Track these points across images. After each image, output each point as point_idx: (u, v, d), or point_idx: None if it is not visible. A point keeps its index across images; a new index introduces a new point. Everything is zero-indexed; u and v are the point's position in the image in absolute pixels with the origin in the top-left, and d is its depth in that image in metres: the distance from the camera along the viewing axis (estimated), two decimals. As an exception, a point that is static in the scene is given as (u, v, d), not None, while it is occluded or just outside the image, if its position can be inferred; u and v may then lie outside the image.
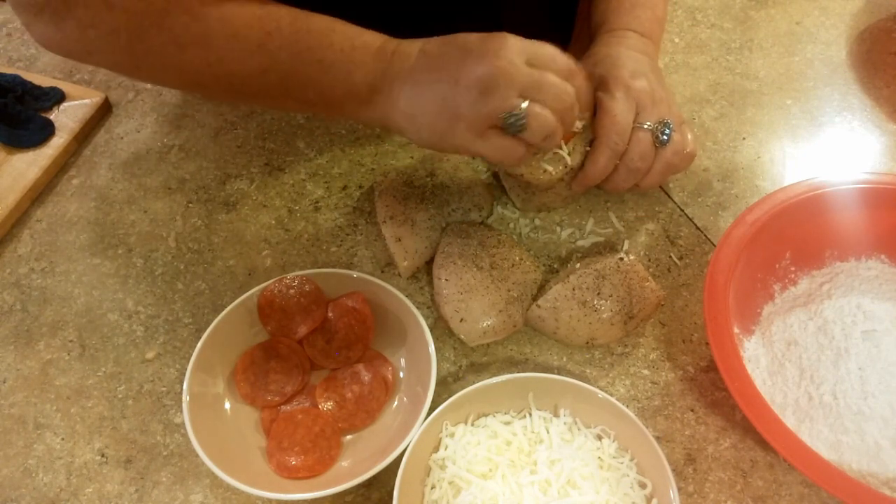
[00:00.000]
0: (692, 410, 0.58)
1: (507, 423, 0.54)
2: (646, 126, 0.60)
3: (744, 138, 0.76)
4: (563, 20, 0.82)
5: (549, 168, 0.61)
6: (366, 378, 0.57)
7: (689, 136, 0.63)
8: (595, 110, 0.62)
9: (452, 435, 0.53)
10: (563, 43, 0.84)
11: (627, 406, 0.54)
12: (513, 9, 0.77)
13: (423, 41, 0.54)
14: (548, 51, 0.53)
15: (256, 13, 0.53)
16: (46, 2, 0.51)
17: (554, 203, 0.68)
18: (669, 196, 0.71)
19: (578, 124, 0.63)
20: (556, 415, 0.55)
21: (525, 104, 0.50)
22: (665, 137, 0.60)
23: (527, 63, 0.51)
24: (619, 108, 0.60)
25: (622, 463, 0.52)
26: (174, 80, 0.58)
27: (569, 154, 0.62)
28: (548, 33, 0.82)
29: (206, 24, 0.52)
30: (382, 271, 0.66)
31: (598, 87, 0.63)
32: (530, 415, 0.54)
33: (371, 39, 0.55)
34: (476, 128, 0.51)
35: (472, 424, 0.54)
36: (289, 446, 0.54)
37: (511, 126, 0.51)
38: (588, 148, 0.62)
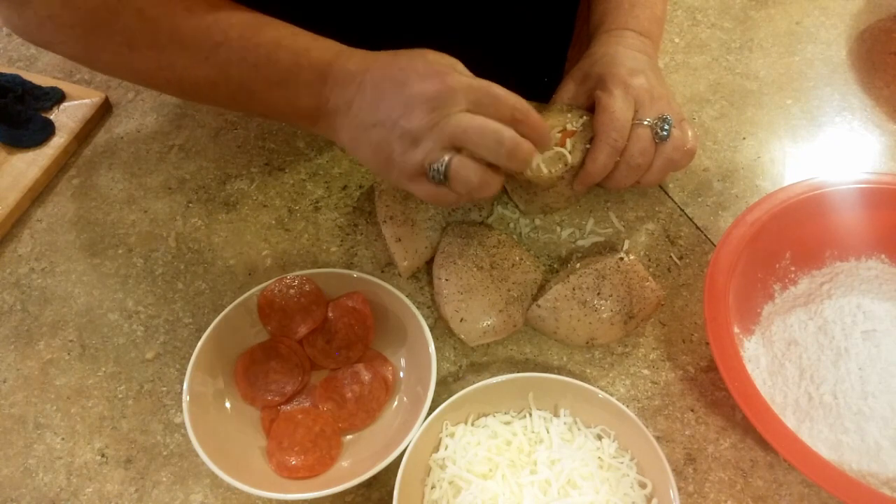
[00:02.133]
0: (692, 410, 0.58)
1: (507, 423, 0.54)
2: (645, 122, 0.60)
3: (744, 138, 0.76)
4: (563, 21, 0.82)
5: (550, 167, 0.61)
6: (366, 378, 0.57)
7: (690, 133, 0.63)
8: (594, 108, 0.62)
9: (452, 435, 0.53)
10: (563, 43, 0.84)
11: (627, 406, 0.54)
12: (513, 10, 0.77)
13: (366, 65, 0.53)
14: (493, 93, 0.51)
15: (206, 22, 0.53)
16: None
17: (557, 204, 0.68)
18: (669, 196, 0.71)
19: (577, 123, 0.63)
20: (556, 415, 0.55)
21: (447, 157, 0.50)
22: (665, 133, 0.60)
23: (468, 108, 0.50)
24: (618, 106, 0.60)
25: (622, 463, 0.52)
26: (129, 77, 0.59)
27: (569, 152, 0.62)
28: (547, 34, 0.82)
29: (156, 28, 0.52)
30: (382, 271, 0.66)
31: (597, 85, 0.63)
32: (530, 415, 0.54)
33: (318, 57, 0.54)
34: (406, 174, 0.52)
35: (472, 424, 0.54)
36: (289, 446, 0.54)
37: (434, 178, 0.51)
38: (588, 146, 0.62)
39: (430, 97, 0.49)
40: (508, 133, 0.50)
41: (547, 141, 0.56)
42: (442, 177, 0.50)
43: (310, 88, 0.53)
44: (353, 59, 0.53)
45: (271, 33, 0.54)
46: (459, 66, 0.53)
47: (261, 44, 0.53)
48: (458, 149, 0.50)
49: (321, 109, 0.54)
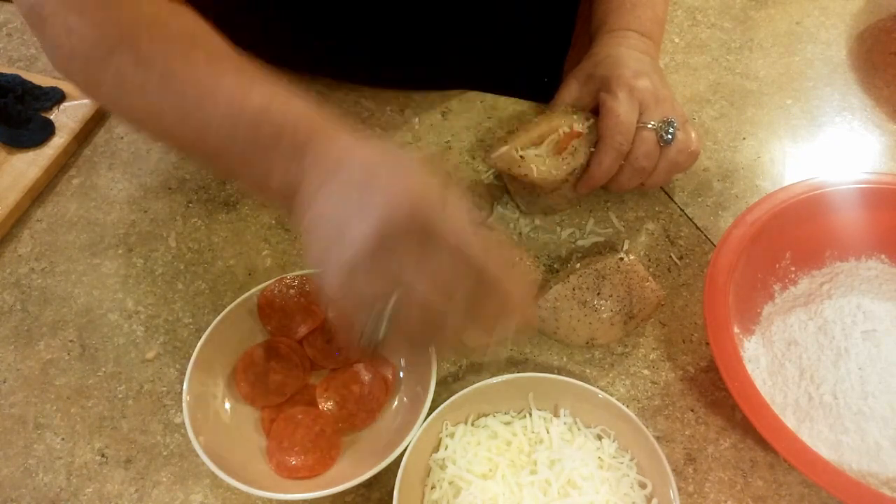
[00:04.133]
0: (692, 410, 0.58)
1: (507, 423, 0.54)
2: (650, 125, 0.60)
3: (744, 138, 0.76)
4: (564, 21, 0.82)
5: (555, 169, 0.61)
6: (366, 378, 0.57)
7: (693, 135, 0.63)
8: (599, 111, 0.62)
9: (452, 435, 0.53)
10: (564, 44, 0.84)
11: (627, 406, 0.54)
12: (513, 10, 0.77)
13: (348, 151, 0.45)
14: (448, 256, 0.42)
15: (200, 72, 0.48)
16: (27, 13, 0.50)
17: (559, 205, 0.68)
18: (670, 196, 0.71)
19: (583, 125, 0.63)
20: (557, 415, 0.55)
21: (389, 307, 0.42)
22: (669, 136, 0.61)
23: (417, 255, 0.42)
24: (623, 109, 0.60)
25: (622, 463, 0.52)
26: (126, 120, 0.53)
27: (573, 155, 0.62)
28: (548, 34, 0.82)
29: (149, 70, 0.48)
30: (382, 271, 0.66)
31: (601, 87, 0.63)
32: (530, 415, 0.54)
33: (304, 129, 0.46)
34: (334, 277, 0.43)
35: (472, 424, 0.54)
36: (289, 446, 0.54)
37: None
38: (592, 149, 0.62)
39: (391, 211, 0.41)
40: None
41: (523, 316, 0.47)
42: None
43: (283, 170, 0.46)
44: (338, 142, 0.46)
45: (261, 94, 0.47)
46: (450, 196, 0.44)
47: (246, 109, 0.47)
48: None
49: (293, 183, 0.46)
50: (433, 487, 0.51)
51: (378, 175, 0.43)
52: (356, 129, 0.47)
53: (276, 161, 0.47)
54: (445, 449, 0.52)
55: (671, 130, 0.60)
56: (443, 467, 0.51)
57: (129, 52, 0.47)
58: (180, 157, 0.75)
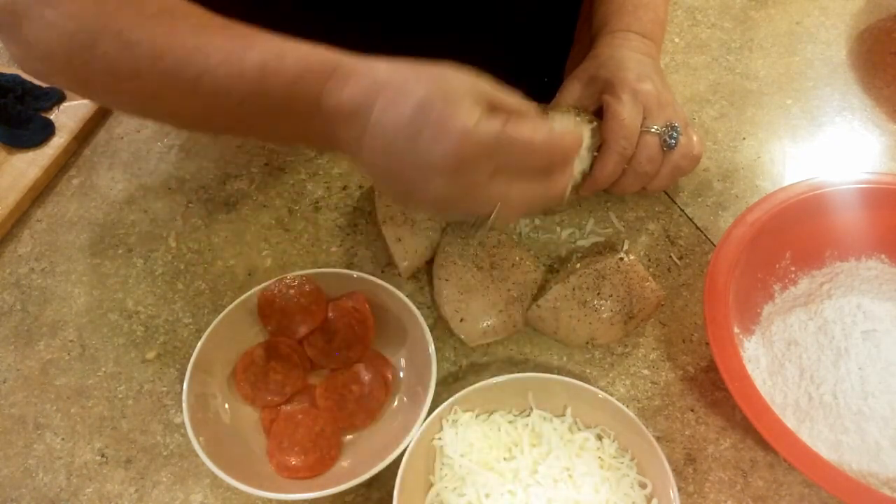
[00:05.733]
0: (692, 410, 0.58)
1: (510, 422, 0.54)
2: (653, 130, 0.60)
3: (744, 138, 0.76)
4: (564, 20, 0.82)
5: None
6: (366, 378, 0.57)
7: (695, 139, 0.63)
8: (602, 113, 0.62)
9: (454, 432, 0.53)
10: (565, 44, 0.84)
11: (627, 406, 0.54)
12: (514, 10, 0.77)
13: (366, 97, 0.44)
14: (520, 143, 0.44)
15: (188, 46, 0.46)
16: (2, 18, 0.48)
17: (560, 206, 0.68)
18: (670, 196, 0.71)
19: (587, 128, 0.63)
20: (560, 414, 0.55)
21: (489, 219, 0.45)
22: (672, 141, 0.61)
23: (496, 168, 0.44)
24: (627, 112, 0.60)
25: (622, 463, 0.52)
26: (127, 109, 0.52)
27: (577, 159, 0.62)
28: (549, 34, 0.82)
29: (136, 54, 0.46)
30: (382, 271, 0.66)
31: (604, 89, 0.63)
32: (531, 415, 0.54)
33: (309, 86, 0.45)
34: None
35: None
36: (289, 446, 0.54)
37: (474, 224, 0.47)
38: (596, 153, 0.62)
39: (450, 165, 0.42)
40: (541, 189, 0.47)
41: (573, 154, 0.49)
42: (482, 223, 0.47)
43: (310, 120, 0.46)
44: (347, 88, 0.45)
45: (255, 57, 0.46)
46: (482, 87, 0.46)
47: (245, 72, 0.46)
48: None
49: (331, 140, 0.47)
50: (434, 486, 0.51)
51: (413, 117, 0.42)
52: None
53: (298, 116, 0.46)
54: (446, 447, 0.52)
55: (675, 135, 0.60)
56: (444, 465, 0.51)
57: (112, 39, 0.46)
58: (181, 157, 0.75)
